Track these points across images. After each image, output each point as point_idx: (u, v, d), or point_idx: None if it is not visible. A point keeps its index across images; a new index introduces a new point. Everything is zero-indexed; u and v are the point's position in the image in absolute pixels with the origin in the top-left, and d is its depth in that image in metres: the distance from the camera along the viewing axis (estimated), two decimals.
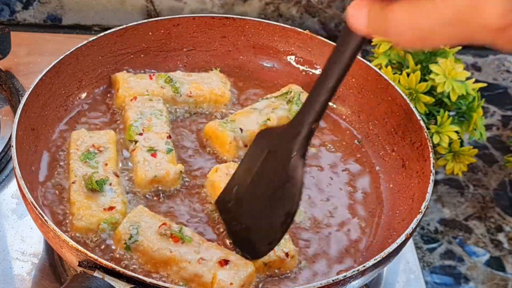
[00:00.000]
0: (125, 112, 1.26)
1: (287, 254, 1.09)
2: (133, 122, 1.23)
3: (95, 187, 1.12)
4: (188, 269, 1.04)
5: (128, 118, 1.24)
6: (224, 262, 1.04)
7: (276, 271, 1.09)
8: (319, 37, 1.38)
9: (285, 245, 1.09)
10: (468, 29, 0.73)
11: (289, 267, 1.10)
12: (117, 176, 1.16)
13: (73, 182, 1.13)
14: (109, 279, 0.96)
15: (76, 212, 1.09)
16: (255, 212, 1.06)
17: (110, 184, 1.13)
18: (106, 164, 1.16)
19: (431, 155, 1.18)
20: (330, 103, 1.35)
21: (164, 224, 1.08)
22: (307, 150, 1.00)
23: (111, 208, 1.10)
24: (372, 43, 1.41)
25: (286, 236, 1.10)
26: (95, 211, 1.10)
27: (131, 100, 1.27)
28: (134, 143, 1.21)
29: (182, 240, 1.07)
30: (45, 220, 1.02)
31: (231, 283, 1.02)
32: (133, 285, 0.96)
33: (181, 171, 1.18)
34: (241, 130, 1.24)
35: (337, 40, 0.94)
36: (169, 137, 1.22)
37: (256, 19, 1.40)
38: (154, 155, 1.18)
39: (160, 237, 1.07)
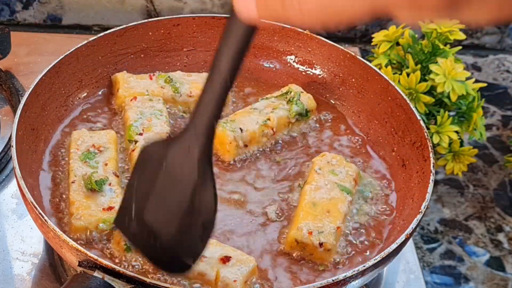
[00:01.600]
0: (125, 112, 1.26)
1: (321, 244, 1.08)
2: (133, 122, 1.23)
3: (94, 187, 1.12)
4: None
5: (128, 118, 1.24)
6: (226, 259, 1.05)
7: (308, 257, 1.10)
8: (319, 37, 1.38)
9: (326, 236, 1.09)
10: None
11: (322, 259, 1.09)
12: (117, 176, 1.16)
13: (72, 182, 1.13)
14: (109, 279, 0.96)
15: (75, 211, 1.09)
16: (167, 227, 0.93)
17: (110, 184, 1.13)
18: (106, 164, 1.16)
19: (431, 155, 1.18)
20: (331, 101, 1.36)
21: None
22: (212, 152, 0.88)
23: (110, 208, 1.10)
24: (372, 43, 1.41)
25: (333, 230, 1.10)
26: (94, 211, 1.10)
27: (131, 100, 1.27)
28: (134, 143, 1.21)
29: None
30: (45, 220, 1.02)
31: (234, 280, 1.02)
32: (133, 285, 0.96)
33: None
34: (241, 130, 1.24)
35: (226, 27, 0.84)
36: (169, 137, 1.22)
37: None
38: None
39: None
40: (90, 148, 1.18)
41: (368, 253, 1.13)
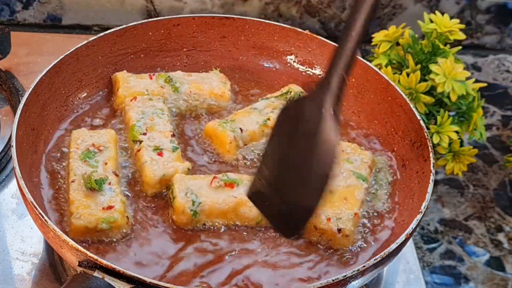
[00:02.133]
0: (126, 112, 1.26)
1: (339, 230, 1.11)
2: (136, 122, 1.23)
3: (94, 186, 1.12)
4: None
5: (130, 119, 1.24)
6: None
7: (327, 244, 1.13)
8: (319, 37, 1.38)
9: (345, 222, 1.12)
10: None
11: (340, 245, 1.12)
12: (117, 175, 1.16)
13: (72, 181, 1.13)
14: (109, 279, 0.96)
15: (75, 211, 1.09)
16: (291, 185, 1.02)
17: (109, 184, 1.13)
18: (105, 164, 1.16)
19: (431, 155, 1.18)
20: None
21: (214, 177, 1.14)
22: (339, 105, 0.98)
23: (110, 207, 1.10)
24: (372, 43, 1.41)
25: (351, 216, 1.12)
26: (93, 210, 1.10)
27: (131, 100, 1.27)
28: (138, 143, 1.21)
29: (236, 184, 1.13)
30: (45, 220, 1.02)
31: None
32: (133, 285, 0.96)
33: (188, 168, 1.18)
34: (241, 130, 1.24)
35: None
36: (173, 135, 1.22)
37: (256, 19, 1.40)
38: (160, 154, 1.18)
39: (216, 190, 1.13)
40: (90, 147, 1.18)
41: (381, 241, 1.15)
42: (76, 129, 1.23)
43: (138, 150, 1.20)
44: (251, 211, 1.12)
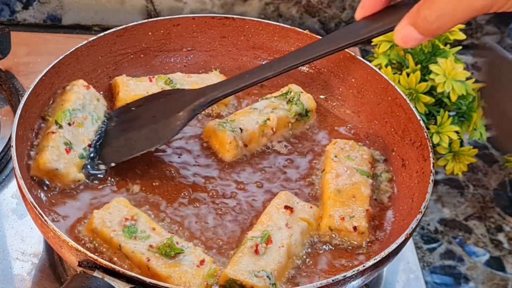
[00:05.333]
0: (70, 93, 1.23)
1: (355, 228, 1.13)
2: (70, 108, 1.20)
3: (179, 251, 1.06)
4: None
5: (69, 101, 1.21)
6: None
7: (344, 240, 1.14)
8: (319, 37, 1.38)
9: (358, 220, 1.13)
10: None
11: (357, 242, 1.14)
12: (172, 233, 1.10)
13: (148, 260, 1.05)
14: (109, 279, 0.96)
15: (180, 282, 1.03)
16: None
17: (177, 243, 1.07)
18: (154, 229, 1.09)
19: (431, 155, 1.18)
20: (331, 101, 1.37)
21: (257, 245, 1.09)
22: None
23: (202, 262, 1.05)
24: (372, 43, 1.41)
25: (363, 213, 1.14)
26: (191, 273, 1.04)
27: (84, 86, 1.24)
28: (58, 126, 1.17)
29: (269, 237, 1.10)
30: (45, 220, 1.02)
31: None
32: (133, 285, 0.96)
33: (79, 181, 1.15)
34: (241, 130, 1.24)
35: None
36: (90, 145, 1.19)
37: (256, 19, 1.40)
38: (68, 150, 1.16)
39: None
40: (125, 222, 1.09)
41: (380, 241, 1.15)
42: (94, 212, 1.11)
43: (53, 133, 1.16)
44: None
